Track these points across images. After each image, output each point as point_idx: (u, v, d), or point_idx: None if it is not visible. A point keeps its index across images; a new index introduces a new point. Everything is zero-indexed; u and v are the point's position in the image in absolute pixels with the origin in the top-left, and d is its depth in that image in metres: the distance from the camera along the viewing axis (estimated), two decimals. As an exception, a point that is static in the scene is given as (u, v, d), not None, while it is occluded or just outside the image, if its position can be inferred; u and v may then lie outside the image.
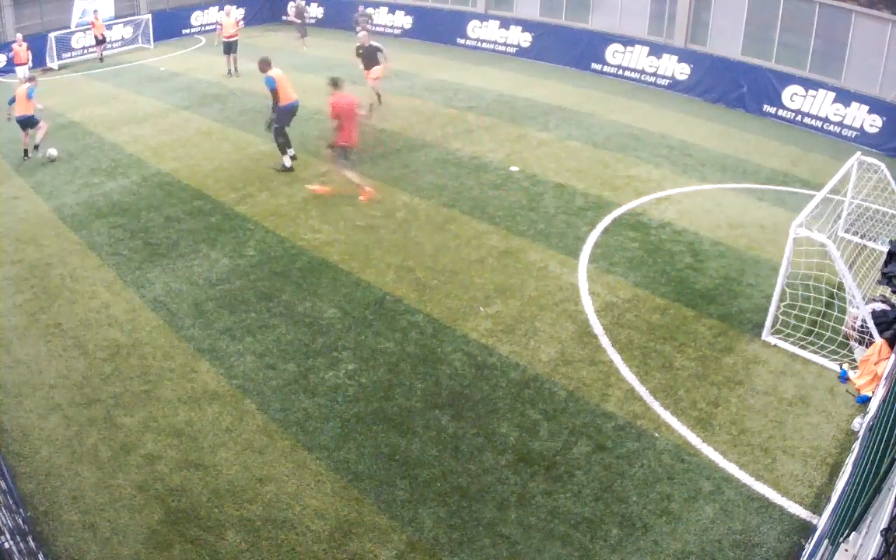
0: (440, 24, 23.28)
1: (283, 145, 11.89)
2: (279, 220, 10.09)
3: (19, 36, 19.56)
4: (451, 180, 11.54)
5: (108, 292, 8.30)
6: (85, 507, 5.27)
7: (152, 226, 9.99)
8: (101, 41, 22.27)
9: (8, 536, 3.95)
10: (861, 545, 3.39)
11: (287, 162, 11.95)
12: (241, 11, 26.98)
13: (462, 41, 22.57)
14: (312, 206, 10.59)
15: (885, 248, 8.97)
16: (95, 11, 22.67)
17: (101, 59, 22.26)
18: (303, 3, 24.64)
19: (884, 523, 2.91)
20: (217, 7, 26.01)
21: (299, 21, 23.09)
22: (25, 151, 12.84)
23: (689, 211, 10.47)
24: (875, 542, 2.96)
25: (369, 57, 14.81)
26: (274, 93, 11.51)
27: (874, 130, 14.15)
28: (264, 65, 11.62)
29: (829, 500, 5.25)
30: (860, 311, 7.07)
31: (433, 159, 12.52)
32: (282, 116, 11.71)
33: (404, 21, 24.42)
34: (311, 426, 6.13)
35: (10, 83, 19.69)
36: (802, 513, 5.26)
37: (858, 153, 9.21)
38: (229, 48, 19.20)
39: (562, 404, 6.41)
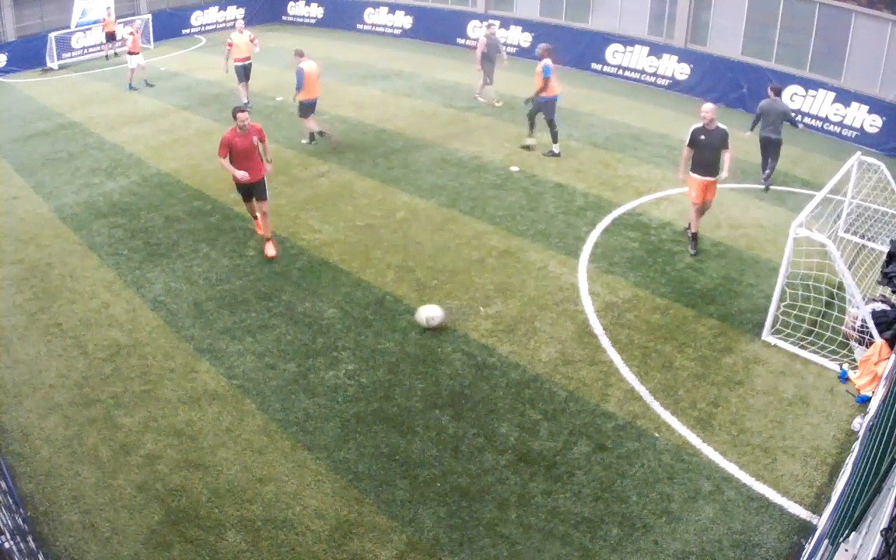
0: (440, 24, 23.27)
1: (531, 127, 13.05)
2: (279, 220, 10.08)
3: (136, 23, 19.22)
4: (451, 180, 11.54)
5: (108, 292, 8.30)
6: (85, 507, 5.27)
7: (152, 226, 9.99)
8: (112, 38, 22.27)
9: (8, 536, 3.95)
10: (861, 545, 3.39)
11: (530, 142, 13.10)
12: (241, 11, 26.90)
13: (462, 41, 22.56)
14: (312, 205, 10.59)
15: (885, 248, 8.97)
16: (108, 8, 22.64)
17: (117, 54, 22.28)
18: (494, 30, 16.33)
19: (884, 523, 2.91)
20: (217, 7, 25.99)
21: (492, 58, 15.85)
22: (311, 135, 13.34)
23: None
24: (875, 542, 2.95)
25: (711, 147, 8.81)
26: (546, 81, 12.30)
27: (874, 130, 14.15)
28: (545, 52, 12.50)
29: (829, 500, 5.25)
30: (860, 311, 7.07)
31: (433, 159, 12.52)
32: (541, 106, 12.67)
33: (404, 21, 24.42)
34: (311, 426, 6.13)
35: (10, 83, 19.70)
36: (802, 513, 5.26)
37: (858, 153, 9.21)
38: (245, 73, 15.53)
39: (562, 404, 6.41)
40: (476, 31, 22.32)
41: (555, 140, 12.81)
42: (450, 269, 8.71)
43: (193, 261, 8.98)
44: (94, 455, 5.79)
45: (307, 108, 12.88)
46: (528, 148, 13.03)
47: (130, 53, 18.00)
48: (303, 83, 12.45)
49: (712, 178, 8.85)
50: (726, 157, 8.74)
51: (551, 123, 12.71)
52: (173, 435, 6.02)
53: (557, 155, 12.79)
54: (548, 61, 12.30)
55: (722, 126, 8.71)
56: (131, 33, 18.31)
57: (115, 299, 8.14)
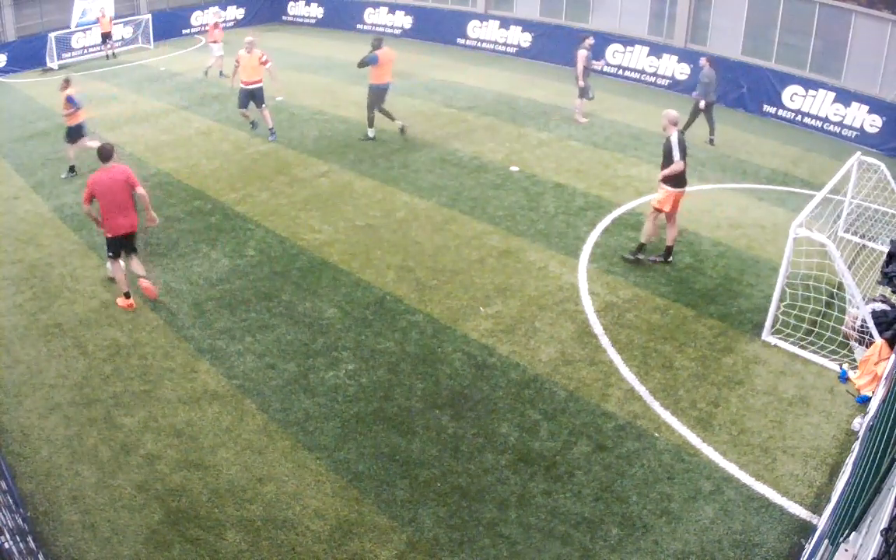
0: (440, 24, 23.27)
1: (370, 119, 13.47)
2: (279, 220, 10.09)
3: (215, 9, 19.44)
4: (451, 180, 11.54)
5: (108, 292, 8.29)
6: (85, 507, 5.27)
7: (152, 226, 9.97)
8: (108, 38, 22.28)
9: (8, 536, 3.95)
10: (861, 545, 3.39)
11: (370, 133, 13.61)
12: (242, 11, 26.87)
13: (462, 41, 22.56)
14: (312, 205, 10.59)
15: (885, 248, 8.98)
16: (102, 8, 22.64)
17: (115, 55, 22.31)
18: (592, 41, 15.06)
19: (884, 523, 2.90)
20: (217, 7, 25.94)
21: (582, 83, 14.49)
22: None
23: (689, 211, 10.44)
24: (875, 542, 2.95)
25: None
26: (376, 69, 12.88)
27: (874, 130, 14.16)
28: (376, 42, 13.09)
29: (829, 500, 5.25)
30: (860, 311, 7.07)
31: (433, 159, 12.52)
32: (370, 93, 13.23)
33: (404, 21, 24.42)
34: (311, 426, 6.13)
35: (10, 83, 19.70)
36: (802, 513, 5.26)
37: (858, 153, 9.22)
38: (250, 99, 13.27)
39: (562, 404, 6.41)
40: (476, 30, 22.32)
41: (370, 124, 13.47)
42: (450, 269, 8.72)
43: (193, 261, 8.98)
44: (94, 455, 5.79)
45: (77, 133, 11.81)
46: (368, 138, 13.53)
47: (212, 43, 18.55)
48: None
49: (661, 184, 8.51)
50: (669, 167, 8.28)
51: (370, 108, 13.31)
52: (173, 435, 6.02)
53: (372, 139, 13.45)
54: (376, 53, 12.86)
55: (672, 137, 8.19)
56: (216, 24, 18.89)
57: (115, 299, 8.13)
